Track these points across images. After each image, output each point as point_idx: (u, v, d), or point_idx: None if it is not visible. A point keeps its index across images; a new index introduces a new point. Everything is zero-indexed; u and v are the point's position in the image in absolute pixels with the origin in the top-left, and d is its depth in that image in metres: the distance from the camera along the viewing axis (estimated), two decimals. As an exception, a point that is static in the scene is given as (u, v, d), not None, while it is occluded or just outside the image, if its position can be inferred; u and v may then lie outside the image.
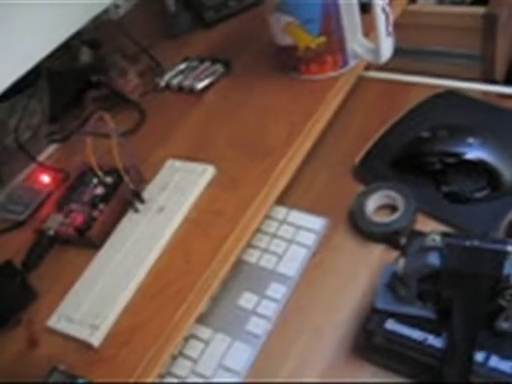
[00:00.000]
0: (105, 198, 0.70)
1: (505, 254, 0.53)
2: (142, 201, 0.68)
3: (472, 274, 0.54)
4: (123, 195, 0.69)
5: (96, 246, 0.67)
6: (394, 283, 0.61)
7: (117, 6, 1.12)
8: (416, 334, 0.59)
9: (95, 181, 0.72)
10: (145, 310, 0.60)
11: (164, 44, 0.99)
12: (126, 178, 0.68)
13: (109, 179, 0.71)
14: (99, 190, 0.71)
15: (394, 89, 0.96)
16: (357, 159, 0.86)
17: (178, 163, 0.72)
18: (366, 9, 0.77)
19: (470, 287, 0.55)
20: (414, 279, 0.58)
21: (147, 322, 0.59)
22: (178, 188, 0.69)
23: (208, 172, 0.69)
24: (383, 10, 0.70)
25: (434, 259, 0.55)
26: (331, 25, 0.74)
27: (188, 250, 0.64)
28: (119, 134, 0.69)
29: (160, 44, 0.99)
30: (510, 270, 0.52)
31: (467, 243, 0.55)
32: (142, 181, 0.72)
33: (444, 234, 0.56)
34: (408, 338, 0.59)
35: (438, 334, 0.58)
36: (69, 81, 0.93)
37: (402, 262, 0.59)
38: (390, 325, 0.60)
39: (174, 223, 0.65)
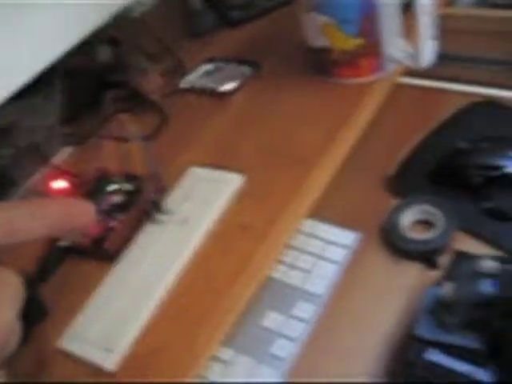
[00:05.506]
0: (123, 207, 0.65)
1: None
2: (163, 211, 0.63)
3: (530, 304, 0.49)
4: (143, 204, 0.64)
5: (113, 258, 0.62)
6: (438, 309, 0.56)
7: (139, 4, 1.07)
8: (461, 367, 0.53)
9: (113, 188, 0.67)
10: (165, 332, 0.55)
11: (187, 44, 0.95)
12: (147, 186, 0.63)
13: (128, 186, 0.66)
14: (117, 198, 0.66)
15: (430, 96, 0.91)
16: (390, 170, 0.81)
17: (202, 171, 0.67)
18: (407, 9, 0.73)
19: (526, 319, 0.50)
20: (464, 307, 0.52)
21: (168, 345, 0.54)
22: (203, 198, 0.64)
23: (235, 181, 0.64)
24: (426, 10, 0.65)
25: (487, 286, 0.50)
26: (369, 26, 0.69)
27: (212, 267, 0.59)
28: (141, 138, 0.64)
29: (183, 43, 0.94)
30: None
31: (525, 270, 0.50)
32: (163, 189, 0.67)
33: (499, 259, 0.51)
34: (452, 371, 0.53)
35: (486, 368, 0.52)
36: (86, 80, 0.89)
37: (449, 286, 0.54)
38: (432, 355, 0.55)
39: (197, 237, 0.60)
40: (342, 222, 0.77)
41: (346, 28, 0.68)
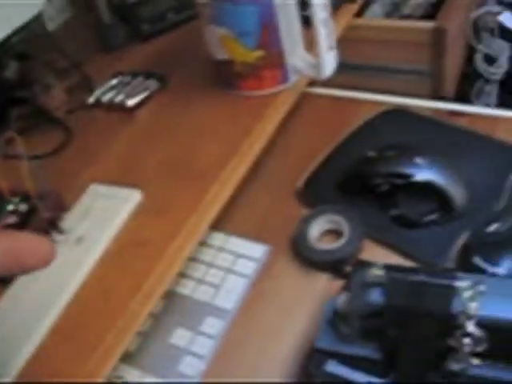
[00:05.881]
0: (19, 228, 0.63)
1: (453, 289, 0.48)
2: (59, 231, 0.62)
3: (418, 312, 0.49)
4: (38, 225, 0.62)
5: (5, 282, 0.59)
6: (336, 320, 0.55)
7: (50, 19, 1.05)
8: (359, 377, 0.53)
9: (9, 208, 0.65)
10: (56, 355, 0.53)
11: (98, 58, 0.93)
12: (41, 206, 0.61)
13: (23, 207, 0.64)
14: (11, 219, 0.64)
15: (341, 106, 0.92)
16: (300, 181, 0.81)
17: (101, 188, 0.66)
18: (309, 22, 0.73)
19: (415, 326, 0.50)
20: (356, 317, 0.52)
21: (60, 368, 0.52)
22: (100, 216, 0.62)
23: (133, 198, 0.63)
24: (324, 22, 0.66)
25: (376, 296, 0.50)
26: (269, 38, 0.68)
27: (108, 286, 0.57)
28: (32, 156, 0.63)
29: (94, 58, 0.93)
30: (460, 307, 0.47)
31: (412, 278, 0.50)
32: (63, 208, 0.65)
33: (387, 268, 0.51)
34: (350, 382, 0.53)
35: (383, 377, 0.53)
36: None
37: (342, 297, 0.54)
38: (331, 366, 0.55)
39: (93, 256, 0.59)
40: (253, 234, 0.77)
41: (245, 40, 0.68)
